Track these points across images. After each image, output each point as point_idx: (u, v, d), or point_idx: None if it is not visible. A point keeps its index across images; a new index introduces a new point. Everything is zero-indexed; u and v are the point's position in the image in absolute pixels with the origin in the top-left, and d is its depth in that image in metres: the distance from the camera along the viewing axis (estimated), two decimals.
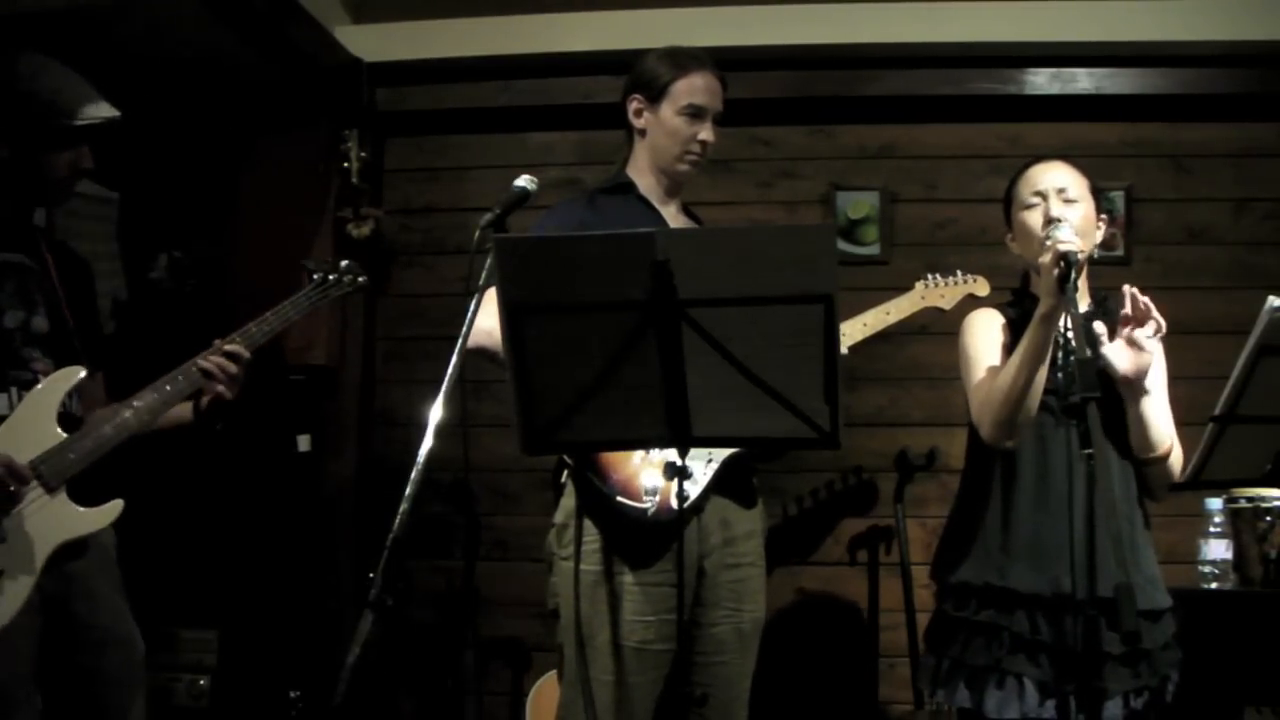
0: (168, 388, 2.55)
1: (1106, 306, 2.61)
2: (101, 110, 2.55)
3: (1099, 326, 2.44)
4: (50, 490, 2.42)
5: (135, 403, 2.52)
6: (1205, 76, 3.95)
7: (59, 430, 2.45)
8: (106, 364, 2.71)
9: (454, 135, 4.32)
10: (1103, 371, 2.35)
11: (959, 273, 3.06)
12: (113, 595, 2.59)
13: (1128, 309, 2.39)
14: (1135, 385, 2.42)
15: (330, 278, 2.83)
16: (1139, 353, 2.40)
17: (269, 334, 2.68)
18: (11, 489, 2.35)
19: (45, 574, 2.40)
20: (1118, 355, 2.40)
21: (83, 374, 2.52)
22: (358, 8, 4.14)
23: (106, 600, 2.57)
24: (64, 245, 2.76)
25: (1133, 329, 2.39)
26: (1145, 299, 2.39)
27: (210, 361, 2.56)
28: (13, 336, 2.49)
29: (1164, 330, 2.40)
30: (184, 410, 2.63)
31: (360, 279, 2.88)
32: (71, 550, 2.46)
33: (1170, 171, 4.06)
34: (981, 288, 3.07)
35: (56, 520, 2.42)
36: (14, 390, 2.46)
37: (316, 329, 4.08)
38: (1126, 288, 2.41)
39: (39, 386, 2.47)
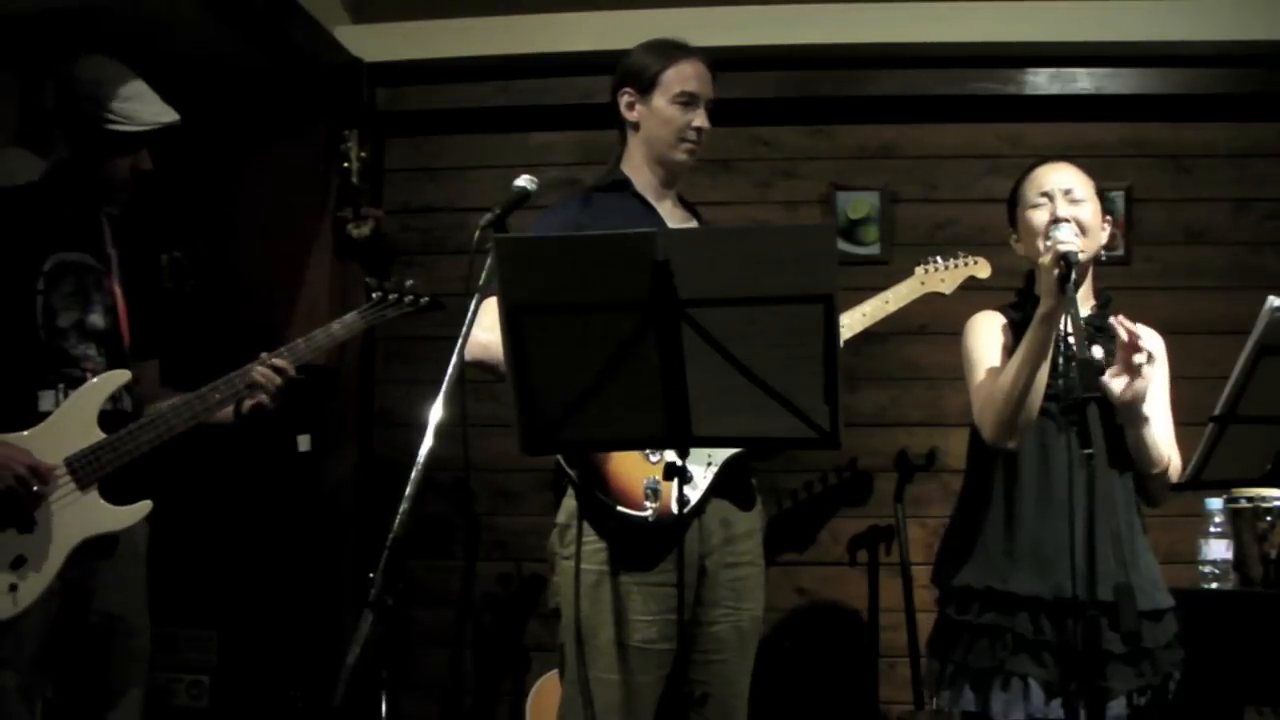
0: (212, 396, 2.62)
1: (1110, 309, 2.61)
2: (164, 115, 2.64)
3: (1097, 351, 2.44)
4: (82, 487, 2.51)
5: (177, 408, 2.60)
6: (1205, 76, 3.96)
7: (98, 430, 2.55)
8: (163, 352, 2.79)
9: (454, 135, 4.32)
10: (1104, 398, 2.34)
11: (959, 254, 3.02)
12: (132, 587, 2.67)
13: (1123, 335, 2.38)
14: (1133, 411, 2.42)
15: (390, 296, 2.78)
16: (1136, 379, 2.39)
17: (316, 350, 2.74)
18: (34, 488, 2.44)
19: (68, 566, 2.49)
20: (1115, 382, 2.41)
21: (128, 377, 2.61)
22: (358, 8, 4.14)
23: (124, 591, 2.64)
24: (131, 236, 2.81)
25: (1128, 354, 2.39)
26: (1133, 329, 2.38)
27: (259, 373, 2.63)
28: (67, 335, 2.58)
29: (1154, 360, 2.39)
30: (225, 411, 2.69)
31: (423, 300, 2.80)
32: (99, 546, 2.55)
33: (1170, 171, 4.06)
34: (982, 269, 3.02)
35: (85, 516, 2.52)
36: (61, 388, 2.56)
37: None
38: (1115, 321, 2.41)
39: (84, 387, 2.57)
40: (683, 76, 2.73)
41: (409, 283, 2.81)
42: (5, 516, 2.44)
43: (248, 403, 2.67)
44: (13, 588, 2.41)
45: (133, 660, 2.64)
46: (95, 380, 2.58)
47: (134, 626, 2.65)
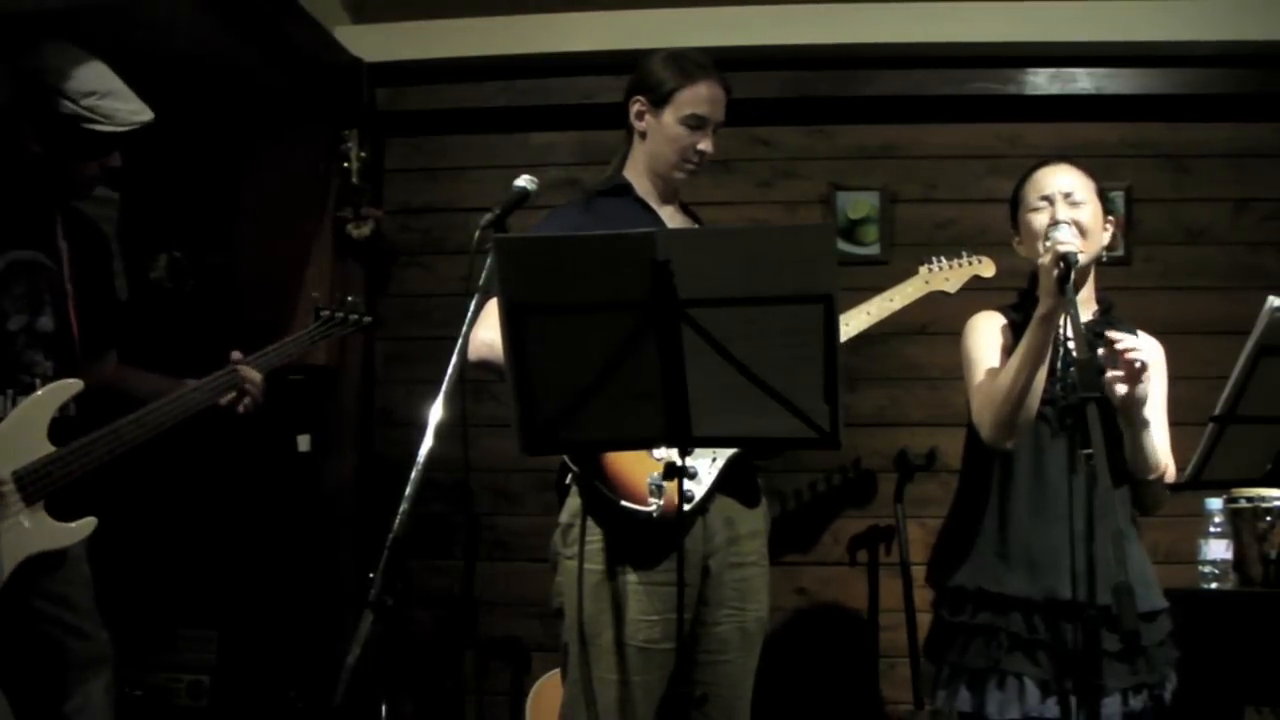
0: (166, 410, 2.58)
1: (1112, 315, 2.61)
2: (141, 114, 2.57)
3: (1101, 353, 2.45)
4: (29, 502, 2.42)
5: (131, 421, 2.54)
6: (1205, 76, 3.95)
7: (48, 443, 2.45)
8: (118, 342, 2.76)
9: (454, 135, 4.32)
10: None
11: (963, 254, 3.00)
12: (77, 592, 2.59)
13: (1117, 343, 2.38)
14: (1133, 413, 2.42)
15: (337, 315, 2.96)
16: (1134, 384, 2.39)
17: (269, 367, 2.76)
18: None
19: (11, 583, 2.40)
20: (1115, 385, 2.40)
21: (80, 387, 2.53)
22: (358, 8, 4.14)
23: (68, 599, 2.57)
24: (79, 224, 2.73)
25: (1125, 362, 2.38)
26: (1123, 342, 2.38)
27: (248, 382, 2.67)
28: (15, 339, 2.51)
29: (1147, 368, 2.38)
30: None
31: (366, 319, 3.04)
32: (44, 562, 2.46)
33: (1170, 171, 4.06)
34: (987, 268, 3.00)
35: (30, 533, 2.42)
36: (10, 394, 2.48)
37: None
38: (1110, 334, 2.42)
39: (33, 397, 2.48)
40: (697, 100, 2.72)
41: (350, 298, 3.04)
42: None
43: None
44: None
45: (91, 664, 2.57)
46: (45, 391, 2.48)
47: (86, 630, 2.58)
